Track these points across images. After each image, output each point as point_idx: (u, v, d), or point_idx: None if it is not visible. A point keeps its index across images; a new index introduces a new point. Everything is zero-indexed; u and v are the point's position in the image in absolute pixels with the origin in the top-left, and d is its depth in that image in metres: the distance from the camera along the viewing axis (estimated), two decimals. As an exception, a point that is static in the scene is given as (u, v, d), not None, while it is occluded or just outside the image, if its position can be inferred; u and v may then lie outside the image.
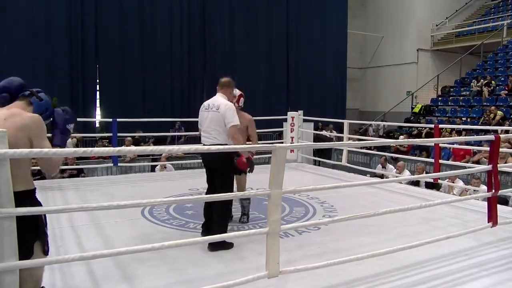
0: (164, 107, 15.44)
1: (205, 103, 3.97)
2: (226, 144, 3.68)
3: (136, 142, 11.84)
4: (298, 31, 18.50)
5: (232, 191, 3.91)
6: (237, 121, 3.75)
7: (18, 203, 2.01)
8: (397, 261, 3.31)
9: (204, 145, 3.80)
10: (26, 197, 2.10)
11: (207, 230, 3.82)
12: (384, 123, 15.50)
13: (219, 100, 3.88)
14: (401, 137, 12.81)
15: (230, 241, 3.66)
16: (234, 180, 4.15)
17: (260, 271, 2.67)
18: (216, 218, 3.72)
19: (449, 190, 7.37)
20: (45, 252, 2.22)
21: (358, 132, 15.08)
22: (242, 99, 4.48)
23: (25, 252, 2.09)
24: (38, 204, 2.19)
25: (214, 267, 3.29)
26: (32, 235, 2.15)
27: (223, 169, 3.75)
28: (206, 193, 3.98)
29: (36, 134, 2.12)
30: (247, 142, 4.50)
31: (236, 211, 4.57)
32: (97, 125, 14.93)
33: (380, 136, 14.63)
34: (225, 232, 3.61)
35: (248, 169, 4.07)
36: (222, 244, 3.56)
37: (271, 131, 9.69)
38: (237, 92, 4.43)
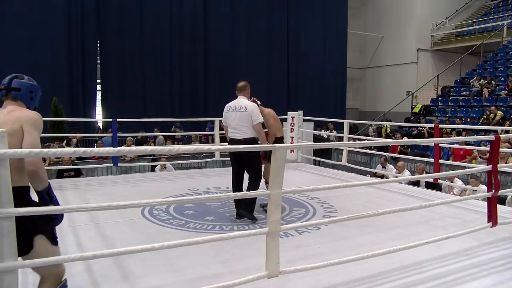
0: (164, 108, 15.46)
1: (231, 105, 4.72)
2: (254, 137, 4.61)
3: (139, 142, 11.86)
4: (298, 31, 18.52)
5: (261, 172, 4.74)
6: (261, 118, 4.65)
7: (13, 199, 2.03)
8: (397, 261, 3.31)
9: (233, 139, 4.64)
10: (20, 193, 2.11)
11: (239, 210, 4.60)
12: (386, 123, 15.49)
13: (244, 101, 4.69)
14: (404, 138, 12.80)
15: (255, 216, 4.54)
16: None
17: (260, 271, 2.67)
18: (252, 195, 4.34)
19: (449, 190, 7.37)
20: (54, 241, 2.26)
21: (356, 133, 15.09)
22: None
23: (24, 246, 2.12)
24: (31, 201, 2.19)
25: (214, 267, 3.29)
26: (29, 229, 2.15)
27: (252, 156, 4.56)
28: (233, 182, 4.74)
29: (28, 123, 2.19)
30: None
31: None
32: (99, 124, 14.95)
33: (380, 136, 14.62)
34: (253, 206, 4.60)
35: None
36: (249, 214, 4.50)
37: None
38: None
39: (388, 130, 14.45)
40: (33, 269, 2.26)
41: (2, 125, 2.15)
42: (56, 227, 2.34)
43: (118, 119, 7.32)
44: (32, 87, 2.44)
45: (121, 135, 7.57)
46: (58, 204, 2.29)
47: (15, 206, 2.02)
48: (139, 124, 11.76)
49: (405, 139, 11.32)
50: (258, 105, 4.99)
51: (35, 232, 2.19)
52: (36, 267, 2.22)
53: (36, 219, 2.17)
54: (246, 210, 4.55)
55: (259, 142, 4.72)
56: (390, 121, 15.32)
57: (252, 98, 5.07)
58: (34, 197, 2.21)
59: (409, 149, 11.74)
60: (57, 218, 2.29)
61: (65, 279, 2.34)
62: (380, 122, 15.15)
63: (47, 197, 2.20)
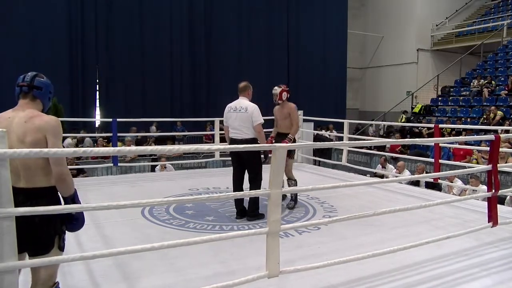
0: (164, 107, 15.45)
1: (232, 105, 4.76)
2: (255, 138, 4.65)
3: (138, 142, 11.86)
4: (298, 31, 18.51)
5: (261, 173, 4.66)
6: (262, 119, 4.68)
7: (41, 199, 2.13)
8: (397, 261, 3.31)
9: (234, 139, 4.70)
10: (48, 193, 2.20)
11: (242, 211, 4.65)
12: (385, 123, 15.50)
13: (245, 102, 4.72)
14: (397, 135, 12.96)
15: (262, 213, 4.55)
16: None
17: (260, 271, 2.67)
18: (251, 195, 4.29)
19: (449, 190, 7.37)
20: (61, 248, 2.28)
21: (357, 133, 15.14)
22: (284, 93, 5.31)
23: (46, 245, 2.19)
24: (59, 201, 2.25)
25: (214, 267, 3.29)
26: (52, 228, 2.21)
27: (253, 157, 4.63)
28: (234, 179, 4.77)
29: (51, 134, 2.20)
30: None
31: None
32: (97, 125, 14.95)
33: (380, 136, 14.63)
34: (258, 206, 4.62)
35: (265, 159, 4.96)
36: (257, 215, 4.59)
37: (271, 131, 9.69)
38: (277, 89, 5.33)
39: (404, 119, 15.01)
40: (31, 269, 2.26)
41: (24, 135, 2.16)
42: None
43: (118, 119, 7.31)
44: (51, 87, 2.41)
45: (121, 135, 7.59)
46: (82, 213, 2.33)
47: (44, 205, 2.10)
48: (139, 124, 11.73)
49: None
50: (288, 95, 5.28)
51: (56, 232, 2.24)
52: (34, 268, 2.22)
53: (57, 219, 2.22)
54: (252, 216, 4.59)
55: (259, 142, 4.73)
56: (406, 112, 15.90)
57: (286, 87, 5.35)
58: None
59: (409, 150, 11.73)
60: (76, 224, 2.32)
61: (57, 282, 2.34)
62: (380, 122, 15.16)
63: (72, 204, 2.25)
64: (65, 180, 2.20)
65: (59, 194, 2.27)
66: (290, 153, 5.20)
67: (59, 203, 2.24)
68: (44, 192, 2.19)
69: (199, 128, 13.47)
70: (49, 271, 2.26)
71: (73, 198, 2.26)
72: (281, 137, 5.31)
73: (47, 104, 2.40)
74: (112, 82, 15.05)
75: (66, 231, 2.32)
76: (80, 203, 2.31)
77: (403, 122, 14.81)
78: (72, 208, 2.22)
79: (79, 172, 8.13)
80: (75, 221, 2.30)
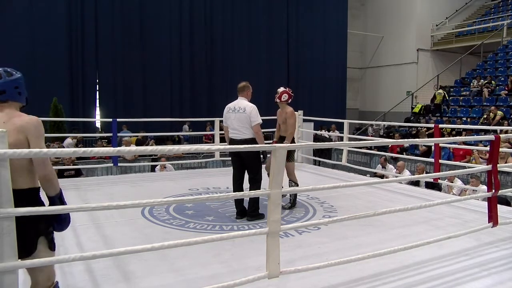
0: (164, 108, 15.47)
1: (231, 106, 4.76)
2: (254, 138, 4.64)
3: (139, 142, 11.86)
4: (298, 31, 18.54)
5: (261, 173, 4.67)
6: (260, 120, 4.66)
7: (22, 201, 2.05)
8: (397, 261, 3.31)
9: (234, 139, 4.71)
10: (30, 195, 2.13)
11: (242, 211, 4.65)
12: (385, 123, 15.51)
13: (243, 103, 4.71)
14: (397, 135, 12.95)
15: (262, 213, 4.54)
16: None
17: (260, 271, 2.66)
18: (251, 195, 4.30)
19: (449, 190, 7.37)
20: (52, 248, 2.23)
21: (357, 133, 15.15)
22: (284, 95, 5.27)
23: (27, 248, 2.11)
24: (41, 202, 2.20)
25: (214, 267, 3.28)
26: (33, 230, 2.14)
27: (252, 157, 4.64)
28: (234, 179, 4.78)
29: (33, 135, 2.12)
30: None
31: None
32: (98, 125, 14.96)
33: (380, 136, 14.63)
34: (258, 206, 4.60)
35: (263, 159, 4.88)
36: (257, 215, 4.58)
37: (271, 131, 9.70)
38: (280, 89, 5.30)
39: (439, 100, 15.02)
40: (28, 271, 2.24)
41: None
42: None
43: (118, 119, 7.31)
44: (15, 82, 2.21)
45: (121, 135, 7.61)
46: (68, 213, 2.29)
47: (25, 207, 2.04)
48: (139, 124, 11.73)
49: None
50: (289, 99, 5.27)
51: (39, 233, 2.18)
52: (30, 270, 2.21)
53: (40, 221, 2.17)
54: (251, 216, 4.58)
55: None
56: (445, 88, 15.82)
57: (290, 90, 5.35)
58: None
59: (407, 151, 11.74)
60: (63, 224, 2.27)
61: (57, 282, 2.33)
62: (381, 122, 15.16)
63: (59, 203, 2.22)
64: (50, 180, 2.16)
65: (40, 196, 2.20)
66: (288, 157, 5.19)
67: (42, 205, 2.18)
68: (25, 193, 2.12)
69: (199, 128, 13.48)
70: (45, 273, 2.23)
71: (59, 197, 2.22)
72: (282, 140, 5.29)
73: (21, 100, 2.25)
74: (112, 82, 15.06)
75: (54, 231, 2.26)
76: (66, 202, 2.28)
77: (439, 100, 15.03)
78: (72, 208, 2.22)
79: (77, 173, 8.10)
80: (61, 221, 2.24)
